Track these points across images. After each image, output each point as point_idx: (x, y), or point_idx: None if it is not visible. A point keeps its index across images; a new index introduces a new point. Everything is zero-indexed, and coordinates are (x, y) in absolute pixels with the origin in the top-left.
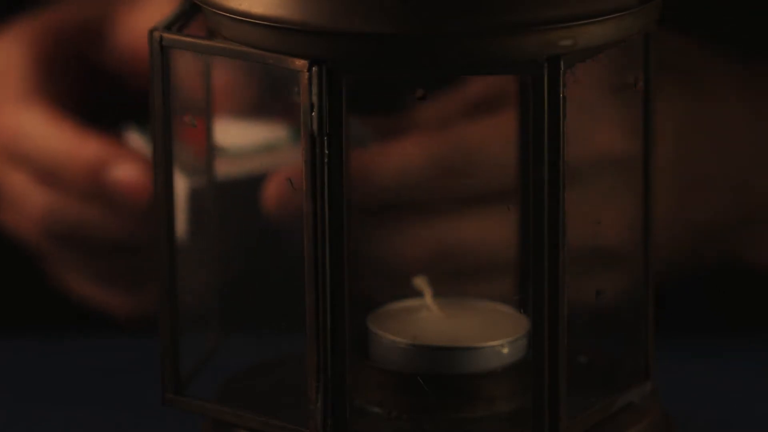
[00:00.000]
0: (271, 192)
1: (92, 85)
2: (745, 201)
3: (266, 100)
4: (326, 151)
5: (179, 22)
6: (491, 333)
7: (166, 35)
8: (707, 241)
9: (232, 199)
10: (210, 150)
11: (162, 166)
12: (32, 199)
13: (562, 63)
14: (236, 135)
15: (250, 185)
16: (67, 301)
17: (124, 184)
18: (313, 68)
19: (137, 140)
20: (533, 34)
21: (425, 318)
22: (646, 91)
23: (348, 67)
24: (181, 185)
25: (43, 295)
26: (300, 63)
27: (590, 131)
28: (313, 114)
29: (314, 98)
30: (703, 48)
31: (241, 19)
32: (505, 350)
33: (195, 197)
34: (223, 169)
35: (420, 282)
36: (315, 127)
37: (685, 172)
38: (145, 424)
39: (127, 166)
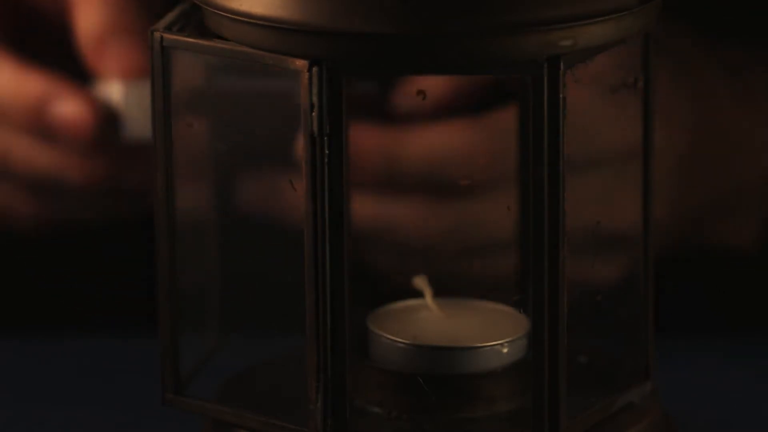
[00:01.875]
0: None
1: (28, 25)
2: (723, 187)
3: None
4: (326, 151)
5: (179, 22)
6: (491, 333)
7: (166, 35)
8: (693, 228)
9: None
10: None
11: (162, 166)
12: None
13: (562, 63)
14: None
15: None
16: (67, 301)
17: (68, 120)
18: (313, 68)
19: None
20: (533, 34)
21: (425, 318)
22: (646, 91)
23: (348, 67)
24: None
25: (43, 294)
26: (300, 63)
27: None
28: (313, 114)
29: (314, 98)
30: (696, 43)
31: (242, 20)
32: (505, 350)
33: None
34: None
35: (420, 282)
36: (315, 127)
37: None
38: (145, 424)
39: (71, 102)
